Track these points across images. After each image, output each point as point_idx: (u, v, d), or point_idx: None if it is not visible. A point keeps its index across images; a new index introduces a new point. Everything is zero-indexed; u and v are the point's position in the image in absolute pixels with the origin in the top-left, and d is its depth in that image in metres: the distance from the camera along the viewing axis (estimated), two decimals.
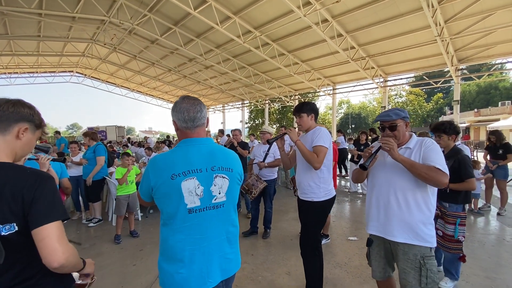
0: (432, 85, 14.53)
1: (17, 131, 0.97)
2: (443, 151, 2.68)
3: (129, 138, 20.74)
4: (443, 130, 2.63)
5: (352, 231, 3.95)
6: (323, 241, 3.80)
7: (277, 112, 30.15)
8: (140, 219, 4.67)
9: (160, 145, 9.39)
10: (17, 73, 18.06)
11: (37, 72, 18.74)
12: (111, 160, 5.05)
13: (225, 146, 4.72)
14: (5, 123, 0.94)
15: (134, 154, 8.41)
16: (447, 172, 1.53)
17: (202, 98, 23.57)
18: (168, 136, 17.48)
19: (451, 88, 32.46)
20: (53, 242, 0.86)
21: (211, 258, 1.20)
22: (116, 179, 3.90)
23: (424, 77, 13.99)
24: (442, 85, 14.64)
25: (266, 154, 3.74)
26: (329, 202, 2.31)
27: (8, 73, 17.69)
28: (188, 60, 15.34)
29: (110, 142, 15.03)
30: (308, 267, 2.34)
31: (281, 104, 23.39)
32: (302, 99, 21.76)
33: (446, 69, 14.40)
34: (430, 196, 1.65)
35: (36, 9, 9.31)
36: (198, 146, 1.24)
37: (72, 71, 20.04)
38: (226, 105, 25.75)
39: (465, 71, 13.01)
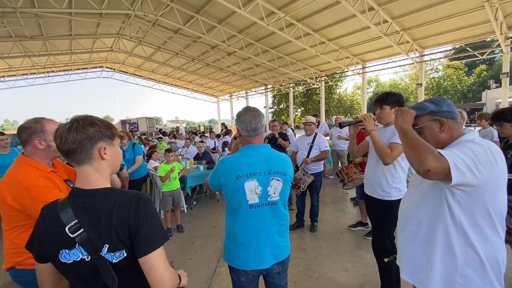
0: (476, 56, 13.17)
1: (99, 154, 0.94)
2: (507, 141, 2.50)
3: (160, 129, 21.53)
4: (504, 117, 2.42)
5: None
6: (358, 228, 3.71)
7: (301, 95, 29.37)
8: (185, 211, 4.86)
9: (192, 135, 9.59)
10: (53, 71, 19.20)
11: (71, 69, 19.74)
12: (150, 154, 5.20)
13: (266, 137, 4.68)
14: (83, 154, 0.90)
15: (169, 146, 8.69)
16: (449, 160, 0.99)
17: (225, 85, 23.55)
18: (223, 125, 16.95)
19: (495, 58, 29.04)
20: (160, 271, 0.88)
21: (265, 245, 1.45)
22: (159, 176, 4.02)
23: (467, 48, 12.68)
24: (486, 56, 13.19)
25: (311, 147, 3.63)
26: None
27: (46, 72, 18.85)
28: (211, 48, 15.23)
29: (144, 134, 15.67)
30: (382, 269, 2.25)
31: (305, 87, 22.67)
32: (329, 80, 20.93)
33: (489, 39, 12.89)
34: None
35: (67, 9, 9.64)
36: (258, 152, 1.47)
37: (102, 66, 20.89)
38: (249, 91, 25.53)
39: None
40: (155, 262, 0.87)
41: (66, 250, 0.87)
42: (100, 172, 0.95)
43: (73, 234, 0.85)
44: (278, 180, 1.45)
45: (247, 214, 1.42)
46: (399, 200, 2.04)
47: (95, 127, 0.92)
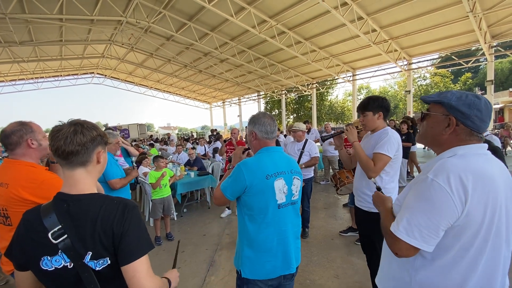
0: (462, 65, 13.63)
1: (96, 157, 0.95)
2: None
3: (151, 136, 21.31)
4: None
5: None
6: (349, 233, 3.69)
7: (293, 102, 29.65)
8: (175, 218, 4.77)
9: (184, 142, 9.51)
10: (43, 77, 18.90)
11: (61, 75, 19.50)
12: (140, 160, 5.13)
13: None
14: (84, 157, 0.91)
15: (159, 153, 8.59)
16: (403, 237, 0.91)
17: (217, 91, 23.61)
18: (215, 131, 15.70)
19: (480, 67, 30.06)
20: (142, 280, 0.85)
21: (291, 247, 1.43)
22: (150, 183, 3.96)
23: (452, 57, 13.13)
24: (471, 64, 13.68)
25: (301, 153, 3.64)
26: None
27: (35, 78, 18.52)
28: (204, 55, 15.31)
29: (135, 141, 15.47)
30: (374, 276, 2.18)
31: (297, 93, 22.94)
32: (320, 87, 21.23)
33: (473, 48, 13.40)
34: None
35: (57, 15, 9.55)
36: (278, 153, 1.50)
37: (93, 73, 20.69)
38: (242, 97, 25.65)
39: (498, 47, 12.03)
40: (137, 271, 0.84)
41: (48, 257, 0.84)
42: (91, 176, 0.95)
43: (56, 240, 0.83)
44: (298, 179, 1.49)
45: (275, 215, 1.38)
46: None
47: (97, 131, 0.95)
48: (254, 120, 1.52)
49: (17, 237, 0.88)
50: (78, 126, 0.90)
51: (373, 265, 2.22)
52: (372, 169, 1.89)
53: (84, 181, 0.92)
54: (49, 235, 0.83)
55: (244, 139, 6.02)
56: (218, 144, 7.83)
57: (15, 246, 0.88)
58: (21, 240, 0.87)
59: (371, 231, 2.05)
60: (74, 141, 0.87)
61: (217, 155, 7.06)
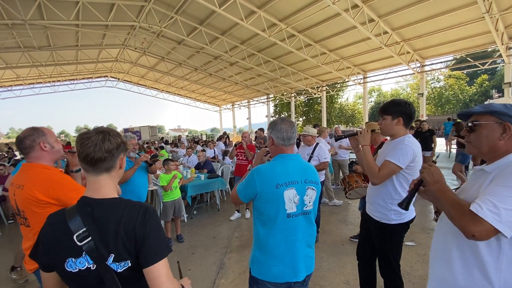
0: (478, 66, 13.24)
1: (119, 163, 1.00)
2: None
3: (162, 138, 21.68)
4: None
5: (408, 236, 3.70)
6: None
7: (303, 104, 29.54)
8: (186, 220, 4.82)
9: (193, 144, 9.61)
10: (59, 81, 19.56)
11: (76, 79, 20.18)
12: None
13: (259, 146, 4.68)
14: (110, 163, 0.96)
15: (170, 155, 8.71)
16: (488, 218, 0.87)
17: (227, 94, 23.80)
18: (225, 134, 15.84)
19: (497, 68, 29.16)
20: (164, 281, 0.88)
21: (299, 256, 1.43)
22: (161, 186, 4.03)
23: (468, 58, 12.76)
24: (487, 66, 13.26)
25: (310, 157, 3.62)
26: (402, 226, 1.92)
27: (52, 81, 19.20)
28: (214, 58, 15.48)
29: (146, 143, 15.71)
30: (388, 284, 2.05)
31: (307, 96, 22.84)
32: (330, 90, 21.07)
33: (490, 49, 12.98)
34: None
35: (74, 20, 9.90)
36: (293, 161, 1.49)
37: (107, 76, 21.27)
38: (251, 100, 25.73)
39: None
40: (160, 272, 0.88)
41: (73, 259, 0.87)
42: (114, 181, 1.00)
43: (80, 242, 0.86)
44: (313, 189, 1.47)
45: (284, 224, 1.39)
46: (401, 225, 1.90)
47: (121, 138, 0.99)
48: (272, 125, 1.53)
49: (42, 239, 0.91)
50: (106, 134, 0.94)
51: (367, 273, 2.26)
52: (376, 175, 1.82)
53: (107, 186, 0.96)
54: (74, 237, 0.86)
55: (254, 142, 6.04)
56: (221, 145, 7.85)
57: (41, 248, 0.92)
58: (46, 242, 0.90)
59: (383, 242, 1.99)
60: (103, 148, 0.92)
61: (227, 157, 7.10)
